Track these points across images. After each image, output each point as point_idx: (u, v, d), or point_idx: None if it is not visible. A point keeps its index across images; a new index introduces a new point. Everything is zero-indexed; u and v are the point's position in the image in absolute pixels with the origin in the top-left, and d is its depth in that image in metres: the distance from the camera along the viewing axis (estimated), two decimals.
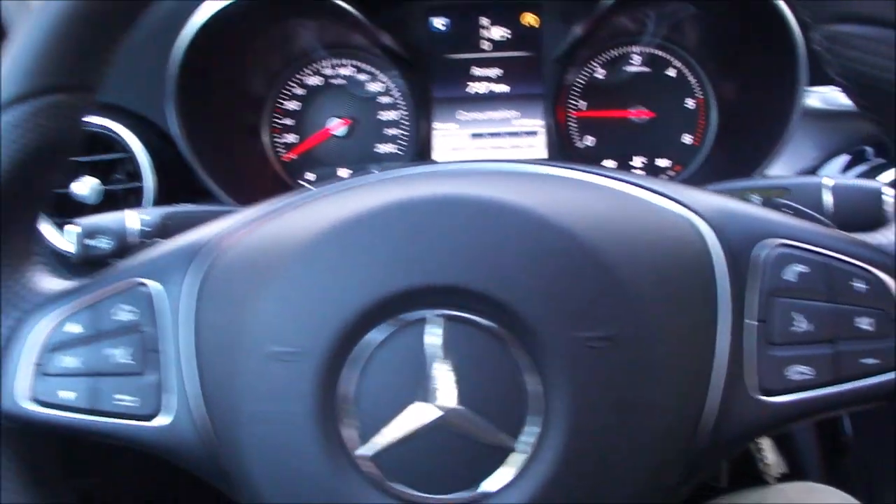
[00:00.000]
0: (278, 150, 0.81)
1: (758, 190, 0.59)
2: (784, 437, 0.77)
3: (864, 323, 0.37)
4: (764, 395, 0.37)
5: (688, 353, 0.37)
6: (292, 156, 0.81)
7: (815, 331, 0.37)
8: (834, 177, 0.59)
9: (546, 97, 0.79)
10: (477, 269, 0.35)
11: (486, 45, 0.80)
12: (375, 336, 0.35)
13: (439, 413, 0.34)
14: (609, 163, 0.81)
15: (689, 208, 0.39)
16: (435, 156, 0.80)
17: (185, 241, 0.40)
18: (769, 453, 0.70)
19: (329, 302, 0.35)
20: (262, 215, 0.40)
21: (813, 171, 0.78)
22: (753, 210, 0.41)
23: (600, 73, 0.80)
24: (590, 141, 0.81)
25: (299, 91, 0.81)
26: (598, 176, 0.41)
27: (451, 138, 0.80)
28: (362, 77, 0.80)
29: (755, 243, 0.38)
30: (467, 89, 0.80)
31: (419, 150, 0.80)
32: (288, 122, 0.81)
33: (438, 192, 0.37)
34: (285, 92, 0.81)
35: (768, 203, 0.55)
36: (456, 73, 0.80)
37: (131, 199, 0.73)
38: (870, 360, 0.37)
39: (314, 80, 0.81)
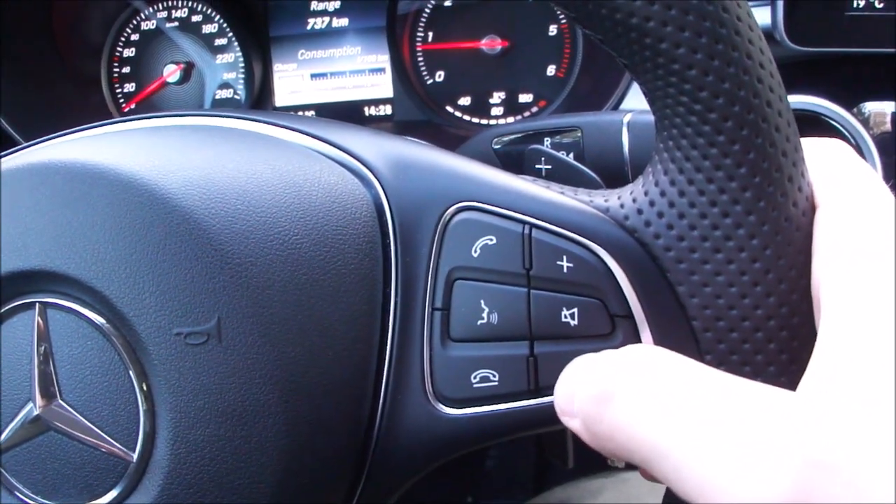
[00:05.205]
0: (119, 100, 0.78)
1: (548, 130, 0.52)
2: None
3: (569, 315, 0.29)
4: (444, 405, 0.30)
5: (330, 348, 0.29)
6: (131, 106, 0.77)
7: (504, 324, 0.29)
8: (637, 111, 0.50)
9: (389, 29, 0.72)
10: (72, 250, 0.29)
11: None
12: None
13: (45, 415, 0.29)
14: (465, 100, 0.74)
15: (359, 159, 0.32)
16: (277, 100, 0.75)
17: None
18: None
19: None
20: None
21: None
22: (441, 162, 0.31)
23: (448, 0, 0.73)
24: (440, 76, 0.74)
25: (135, 37, 0.77)
26: (241, 120, 0.35)
27: (289, 80, 0.75)
28: (196, 18, 0.75)
29: (439, 208, 0.30)
30: (307, 26, 0.74)
31: (258, 95, 0.74)
32: (126, 70, 0.77)
33: (26, 161, 0.30)
34: (122, 39, 0.77)
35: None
36: (293, 7, 0.74)
37: None
38: None
39: (149, 25, 0.76)
